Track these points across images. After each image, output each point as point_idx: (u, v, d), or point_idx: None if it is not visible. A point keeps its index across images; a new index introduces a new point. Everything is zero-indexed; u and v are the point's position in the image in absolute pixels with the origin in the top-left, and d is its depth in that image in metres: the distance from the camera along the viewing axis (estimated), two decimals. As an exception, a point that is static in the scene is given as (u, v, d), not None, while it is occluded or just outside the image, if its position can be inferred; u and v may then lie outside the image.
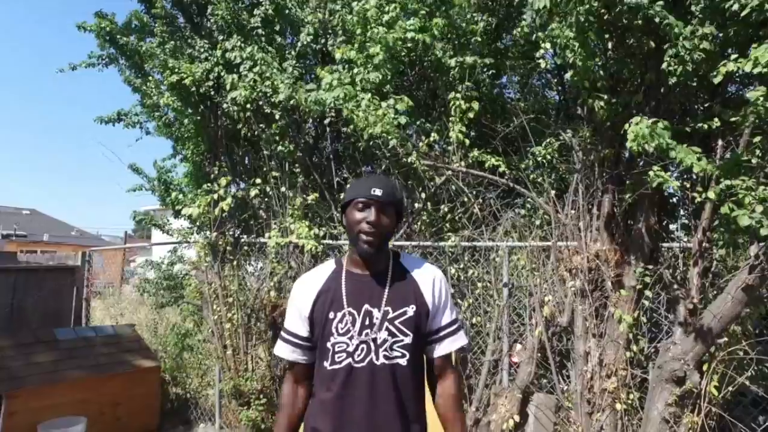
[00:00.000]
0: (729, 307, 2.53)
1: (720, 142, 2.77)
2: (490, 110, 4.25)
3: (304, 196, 4.03)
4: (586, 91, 2.92)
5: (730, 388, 2.67)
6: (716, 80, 2.54)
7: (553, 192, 3.47)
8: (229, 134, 4.52)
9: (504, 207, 3.78)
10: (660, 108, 2.99)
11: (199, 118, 4.21)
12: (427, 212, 4.11)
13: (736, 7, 2.34)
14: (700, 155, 2.41)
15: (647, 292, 2.93)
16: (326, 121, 4.21)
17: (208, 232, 4.08)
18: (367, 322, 1.50)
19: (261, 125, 4.16)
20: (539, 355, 3.26)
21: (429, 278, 1.58)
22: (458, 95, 3.62)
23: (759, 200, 2.19)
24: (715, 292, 2.82)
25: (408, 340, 1.51)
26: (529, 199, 3.70)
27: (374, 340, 1.49)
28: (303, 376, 1.57)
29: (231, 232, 4.25)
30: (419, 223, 4.18)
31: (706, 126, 2.73)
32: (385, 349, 1.49)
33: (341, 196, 4.29)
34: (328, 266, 1.63)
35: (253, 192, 3.95)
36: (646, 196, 2.99)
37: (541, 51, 3.12)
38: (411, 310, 1.53)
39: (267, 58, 3.87)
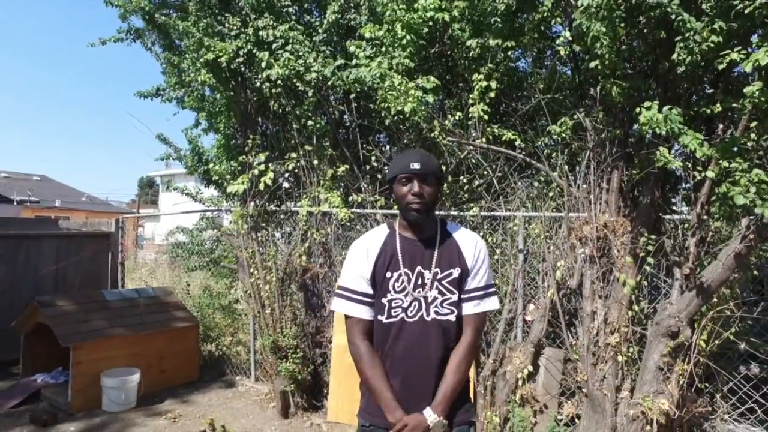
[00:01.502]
0: (720, 272, 2.90)
1: (721, 126, 3.08)
2: (508, 88, 4.50)
3: (335, 167, 4.34)
4: (606, 78, 3.19)
5: (716, 342, 3.07)
6: (720, 67, 2.84)
7: (566, 167, 3.80)
8: (258, 109, 4.78)
9: (520, 180, 4.10)
10: (667, 93, 3.28)
11: (232, 93, 4.45)
12: (447, 183, 4.43)
13: (740, 6, 2.60)
14: (702, 141, 2.72)
15: (649, 259, 3.30)
16: (352, 96, 4.48)
17: (247, 203, 4.39)
18: (419, 282, 1.68)
19: (291, 101, 4.42)
20: (550, 314, 3.66)
21: (471, 244, 1.75)
22: (481, 76, 3.87)
23: (753, 182, 2.51)
24: (709, 259, 3.20)
25: (455, 297, 1.69)
26: (543, 173, 4.02)
27: (425, 298, 1.68)
28: (367, 330, 1.72)
29: (265, 202, 4.57)
30: (440, 194, 4.51)
31: (708, 111, 3.02)
32: (435, 306, 1.68)
33: (367, 168, 4.62)
34: (382, 230, 1.80)
35: (291, 165, 4.25)
36: (652, 173, 3.32)
37: (561, 39, 3.38)
38: (456, 272, 1.70)
39: (299, 37, 4.10)
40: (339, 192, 4.35)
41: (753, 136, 2.82)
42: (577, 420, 3.52)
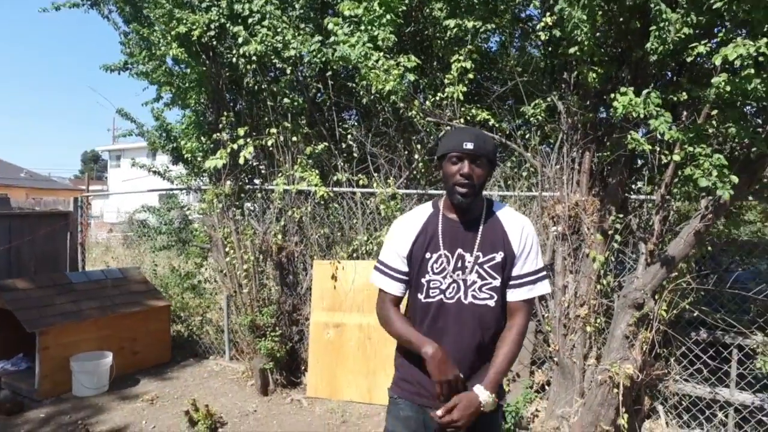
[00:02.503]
0: (681, 248, 3.16)
1: (685, 113, 3.31)
2: (483, 69, 4.60)
3: (313, 145, 4.32)
4: (583, 64, 3.34)
5: (674, 311, 3.37)
6: (689, 59, 3.04)
7: (540, 148, 3.96)
8: (230, 85, 4.65)
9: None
10: (637, 80, 3.47)
11: (203, 68, 4.31)
12: (424, 162, 4.52)
13: (712, 0, 2.78)
14: (671, 125, 2.93)
15: (617, 236, 3.54)
16: (328, 74, 4.44)
17: (222, 181, 4.31)
18: (459, 265, 1.64)
19: (267, 78, 4.33)
20: (524, 288, 3.86)
21: (518, 227, 1.67)
22: (460, 57, 3.94)
23: (714, 166, 2.74)
24: (670, 236, 3.47)
25: (496, 283, 1.64)
26: (517, 154, 4.17)
27: (464, 281, 1.64)
28: (395, 304, 1.73)
29: (241, 180, 4.50)
30: (416, 173, 4.60)
31: (675, 98, 3.24)
32: (474, 290, 1.64)
33: (343, 146, 4.63)
34: (425, 209, 1.75)
35: (270, 141, 4.19)
36: (621, 155, 3.53)
37: (541, 24, 3.49)
38: (499, 256, 1.63)
39: (276, 12, 4.00)
40: (316, 170, 4.34)
41: (714, 123, 3.06)
42: (547, 387, 3.78)
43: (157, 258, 5.92)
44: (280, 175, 4.42)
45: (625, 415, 3.17)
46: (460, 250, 1.65)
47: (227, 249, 4.43)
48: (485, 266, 1.64)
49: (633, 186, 3.94)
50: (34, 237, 5.30)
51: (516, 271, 1.66)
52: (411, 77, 3.84)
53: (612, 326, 3.42)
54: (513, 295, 1.67)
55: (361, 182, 4.32)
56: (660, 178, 3.42)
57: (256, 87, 4.42)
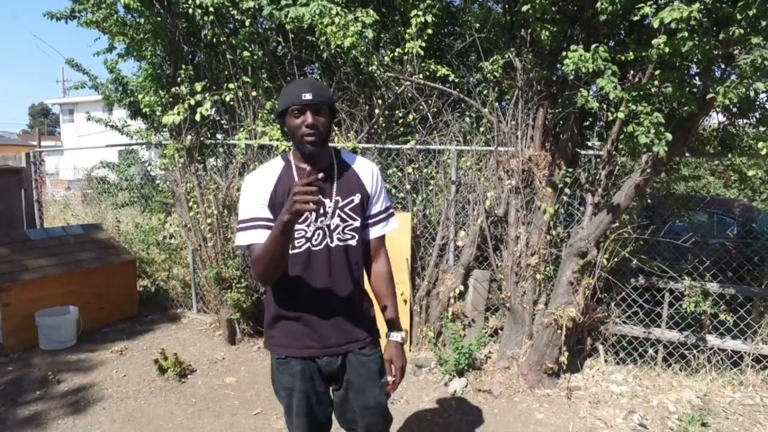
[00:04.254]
0: (623, 200, 3.39)
1: (632, 72, 3.47)
2: (442, 24, 4.61)
3: (274, 100, 4.30)
4: (537, 21, 3.42)
5: (615, 260, 3.65)
6: (635, 19, 3.16)
7: (496, 104, 4.08)
8: (187, 37, 4.52)
9: (453, 115, 4.34)
10: (590, 39, 3.58)
11: (158, 18, 4.17)
12: (384, 117, 4.58)
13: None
14: (616, 84, 3.07)
15: (566, 190, 3.74)
16: (288, 27, 4.37)
17: (183, 135, 4.28)
18: (321, 211, 1.69)
19: (225, 30, 4.24)
20: (479, 239, 4.07)
21: (368, 171, 1.80)
22: (419, 12, 3.94)
23: (653, 124, 2.91)
24: (615, 190, 3.69)
25: (356, 224, 1.75)
26: (474, 109, 4.27)
27: (328, 226, 1.71)
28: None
29: (201, 135, 4.47)
30: (376, 127, 4.66)
31: (622, 57, 3.37)
32: (338, 233, 1.73)
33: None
34: (276, 163, 1.76)
35: (228, 96, 4.15)
36: (572, 112, 3.69)
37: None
38: (357, 198, 1.75)
39: (232, -39, 3.88)
40: (278, 125, 4.34)
41: (656, 83, 3.22)
42: (500, 331, 4.06)
43: (119, 215, 5.87)
44: (241, 129, 4.41)
45: (566, 353, 3.47)
46: (319, 197, 1.61)
47: (191, 204, 4.45)
48: (345, 209, 1.74)
49: (588, 142, 4.12)
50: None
51: (374, 210, 1.81)
52: (370, 34, 3.84)
53: (558, 274, 3.67)
54: (374, 233, 1.82)
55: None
56: (607, 135, 3.61)
57: (214, 40, 4.32)
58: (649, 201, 3.65)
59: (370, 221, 1.81)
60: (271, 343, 1.81)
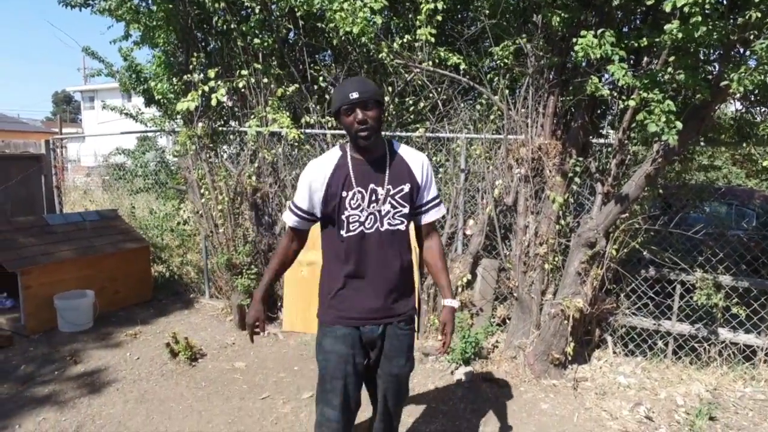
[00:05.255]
0: (633, 190, 3.33)
1: (645, 59, 3.38)
2: (453, 11, 4.54)
3: (284, 87, 4.31)
4: (548, 6, 3.35)
5: (625, 250, 3.59)
6: (649, 3, 3.08)
7: (507, 92, 4.02)
8: (199, 24, 4.55)
9: (464, 102, 4.30)
10: (602, 24, 3.49)
11: (170, 6, 4.20)
12: (393, 104, 4.56)
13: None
14: (626, 71, 3.00)
15: (576, 179, 3.69)
16: (298, 14, 4.36)
17: (195, 122, 4.32)
18: (373, 198, 1.88)
19: (236, 17, 4.25)
20: (488, 228, 4.05)
21: (419, 162, 1.96)
22: (429, -1, 3.89)
23: (664, 112, 2.84)
24: (626, 179, 3.63)
25: (405, 210, 1.93)
26: (485, 97, 4.22)
27: (379, 211, 1.89)
28: (298, 238, 2.05)
29: (213, 122, 4.52)
30: (386, 114, 4.64)
31: (636, 44, 3.29)
32: (388, 218, 1.91)
33: (315, 88, 4.62)
34: (334, 153, 1.94)
35: (241, 83, 4.17)
36: (583, 100, 3.62)
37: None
38: (407, 187, 1.92)
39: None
40: (288, 112, 4.36)
41: (669, 69, 3.13)
42: (507, 321, 4.05)
43: (135, 201, 5.98)
44: (252, 117, 4.44)
45: (572, 344, 3.45)
46: (372, 185, 1.89)
47: (202, 190, 4.52)
48: (396, 197, 1.92)
49: (601, 131, 4.05)
50: (8, 181, 5.32)
51: (424, 198, 1.99)
52: (379, 20, 3.81)
53: (567, 264, 3.64)
54: (426, 218, 2.03)
55: (330, 124, 4.36)
56: (619, 123, 3.53)
57: (225, 27, 4.34)
58: (660, 191, 3.56)
59: (422, 209, 2.01)
60: (320, 314, 2.03)
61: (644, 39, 3.23)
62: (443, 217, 4.25)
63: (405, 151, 1.98)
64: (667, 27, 2.70)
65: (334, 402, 1.93)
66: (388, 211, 1.91)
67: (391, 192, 1.90)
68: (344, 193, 1.88)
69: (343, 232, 1.91)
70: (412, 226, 2.05)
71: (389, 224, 1.92)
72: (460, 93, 4.28)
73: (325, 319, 2.00)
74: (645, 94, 2.99)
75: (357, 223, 1.89)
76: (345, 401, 1.94)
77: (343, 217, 1.89)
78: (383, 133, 4.29)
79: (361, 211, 1.89)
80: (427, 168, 1.98)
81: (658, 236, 3.76)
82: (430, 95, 4.35)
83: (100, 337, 4.18)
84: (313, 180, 1.90)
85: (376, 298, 1.94)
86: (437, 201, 2.04)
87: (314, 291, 1.96)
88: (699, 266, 3.60)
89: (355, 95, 1.77)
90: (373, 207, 1.89)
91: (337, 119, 1.88)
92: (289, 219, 2.00)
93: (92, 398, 3.24)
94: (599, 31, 2.86)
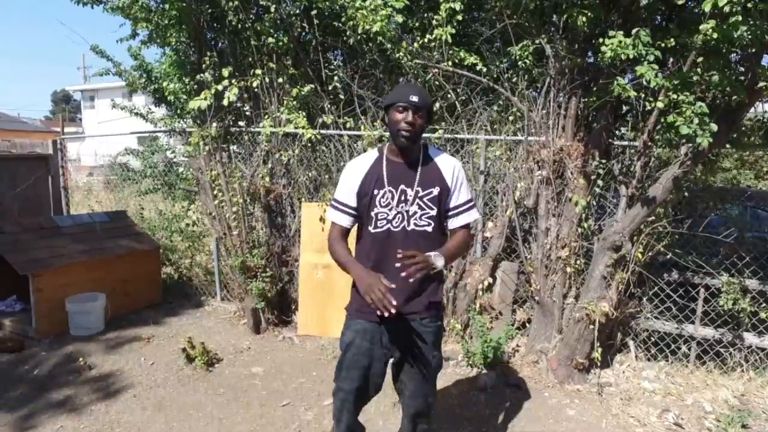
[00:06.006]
0: (660, 193, 3.28)
1: (671, 60, 3.33)
2: (471, 10, 4.48)
3: (299, 87, 4.25)
4: (573, 6, 3.29)
5: (650, 253, 3.55)
6: (680, 2, 3.03)
7: (526, 92, 3.96)
8: (211, 23, 4.47)
9: (482, 104, 4.23)
10: (627, 24, 3.44)
11: (183, 4, 4.12)
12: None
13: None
14: (657, 71, 2.95)
15: (599, 181, 3.64)
16: (313, 13, 4.30)
17: (208, 122, 4.25)
18: (402, 198, 1.97)
19: (251, 15, 4.18)
20: (508, 230, 4.00)
21: (450, 166, 2.03)
22: (450, -2, 3.83)
23: (696, 114, 2.79)
24: (650, 182, 3.58)
25: (433, 212, 1.99)
26: (504, 98, 4.16)
27: (407, 212, 1.97)
28: (344, 235, 2.07)
29: (227, 122, 4.44)
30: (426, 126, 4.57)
31: (663, 44, 3.24)
32: (415, 219, 1.98)
33: (329, 88, 4.55)
34: (372, 154, 2.07)
35: (255, 83, 4.10)
36: (609, 101, 3.56)
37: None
38: (436, 191, 1.98)
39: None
40: (303, 113, 4.29)
41: (698, 70, 3.08)
42: (528, 324, 4.00)
43: (142, 202, 5.90)
44: (266, 117, 4.37)
45: (599, 350, 3.40)
46: (402, 186, 1.97)
47: (215, 192, 4.44)
48: (424, 199, 1.98)
49: (617, 132, 4.00)
50: (15, 181, 5.23)
51: (453, 203, 2.03)
52: (399, 19, 3.75)
53: (591, 267, 3.59)
54: (454, 222, 2.05)
55: (348, 125, 4.30)
56: (643, 125, 3.48)
57: (239, 25, 4.26)
58: (686, 194, 3.52)
59: (451, 213, 2.04)
60: (348, 306, 2.11)
61: (671, 39, 3.19)
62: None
63: (438, 155, 2.06)
64: (702, 27, 2.65)
65: (348, 387, 2.07)
66: (415, 212, 1.97)
67: (420, 194, 1.97)
68: (375, 191, 1.98)
69: (370, 228, 2.00)
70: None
71: (416, 225, 1.98)
72: (478, 94, 4.21)
73: (350, 311, 2.10)
74: (675, 96, 2.94)
75: (385, 221, 1.98)
76: (360, 388, 2.07)
77: (372, 214, 1.99)
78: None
79: (390, 210, 1.97)
80: (458, 173, 2.03)
81: (681, 239, 3.72)
82: (448, 95, 4.29)
83: (113, 341, 4.10)
84: (353, 177, 2.01)
85: (397, 295, 1.91)
86: (468, 206, 2.06)
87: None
88: (725, 270, 3.55)
89: (415, 99, 1.88)
90: (402, 207, 1.97)
91: (387, 113, 1.97)
92: (343, 220, 2.05)
93: (109, 405, 3.17)
94: (634, 31, 2.80)
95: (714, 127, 2.69)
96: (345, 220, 2.05)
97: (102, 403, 3.18)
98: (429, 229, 1.99)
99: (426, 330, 2.06)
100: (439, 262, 1.86)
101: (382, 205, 1.97)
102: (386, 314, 1.76)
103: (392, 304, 1.74)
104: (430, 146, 2.09)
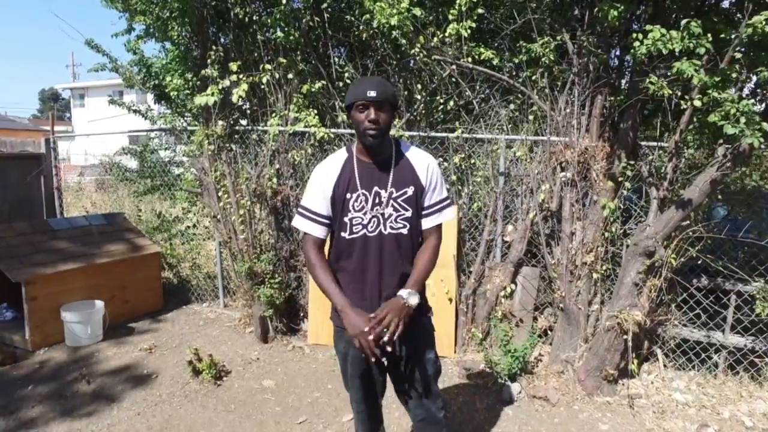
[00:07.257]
0: (696, 196, 3.12)
1: (705, 56, 3.17)
2: (489, 4, 4.30)
3: (310, 83, 4.04)
4: (604, 1, 3.13)
5: (682, 259, 3.39)
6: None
7: (548, 91, 3.79)
8: (215, 16, 4.25)
9: (501, 102, 4.06)
10: (656, 19, 3.28)
11: (186, -5, 3.90)
12: (425, 103, 4.31)
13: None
14: (698, 67, 2.80)
15: (626, 184, 3.48)
16: (323, 6, 4.10)
17: (213, 121, 4.03)
18: (376, 201, 1.84)
19: (256, 9, 3.96)
20: (530, 234, 3.83)
21: (424, 164, 1.89)
22: (468, -8, 3.65)
23: (742, 113, 2.64)
24: (680, 184, 3.42)
25: (408, 214, 1.87)
26: (518, 95, 3.99)
27: (382, 214, 1.85)
28: (320, 248, 1.92)
29: (233, 120, 4.22)
30: (416, 114, 4.39)
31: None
32: (391, 222, 1.86)
33: (340, 85, 4.36)
34: (340, 154, 1.91)
35: (264, 78, 3.89)
36: (641, 100, 3.40)
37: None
38: (410, 191, 1.87)
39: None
40: (315, 111, 4.09)
41: (737, 67, 2.93)
42: (549, 332, 3.83)
43: (139, 203, 5.65)
44: (273, 115, 4.16)
45: (635, 360, 3.24)
46: (376, 188, 1.85)
47: (220, 193, 4.23)
48: (399, 200, 1.86)
49: (645, 132, 3.84)
50: (6, 182, 4.96)
51: (426, 202, 1.90)
52: (417, 12, 3.57)
53: (621, 273, 3.42)
54: (426, 223, 1.92)
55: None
56: (676, 125, 3.33)
57: (246, 19, 4.05)
58: (720, 197, 3.37)
59: (423, 212, 1.91)
60: (332, 315, 1.97)
61: (708, 34, 3.03)
62: (480, 223, 4.03)
63: (411, 152, 1.92)
64: (755, 19, 2.49)
65: (357, 395, 2.04)
66: (391, 215, 1.86)
67: (394, 195, 1.85)
68: (348, 195, 1.85)
69: (345, 234, 1.87)
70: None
71: (392, 228, 1.87)
72: (497, 91, 4.03)
73: (335, 321, 1.97)
74: (716, 94, 2.79)
75: (360, 226, 1.86)
76: (366, 394, 2.03)
77: (346, 219, 1.86)
78: (411, 133, 4.12)
79: (364, 214, 1.85)
80: (433, 170, 1.91)
81: (712, 243, 3.57)
82: (465, 93, 4.10)
83: (113, 353, 3.87)
84: (325, 182, 1.86)
85: (378, 303, 1.85)
86: (441, 205, 1.93)
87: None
88: (759, 275, 3.40)
89: (372, 94, 1.74)
90: (377, 210, 1.85)
91: (349, 114, 1.84)
92: (317, 231, 1.89)
93: (111, 425, 2.95)
94: (683, 22, 2.63)
95: (766, 126, 2.54)
96: (320, 231, 1.89)
97: (103, 422, 2.96)
98: (405, 231, 1.88)
99: (413, 332, 1.88)
100: (412, 300, 1.76)
101: (356, 209, 1.85)
102: (373, 360, 1.71)
103: (377, 354, 1.70)
104: (402, 142, 1.96)
